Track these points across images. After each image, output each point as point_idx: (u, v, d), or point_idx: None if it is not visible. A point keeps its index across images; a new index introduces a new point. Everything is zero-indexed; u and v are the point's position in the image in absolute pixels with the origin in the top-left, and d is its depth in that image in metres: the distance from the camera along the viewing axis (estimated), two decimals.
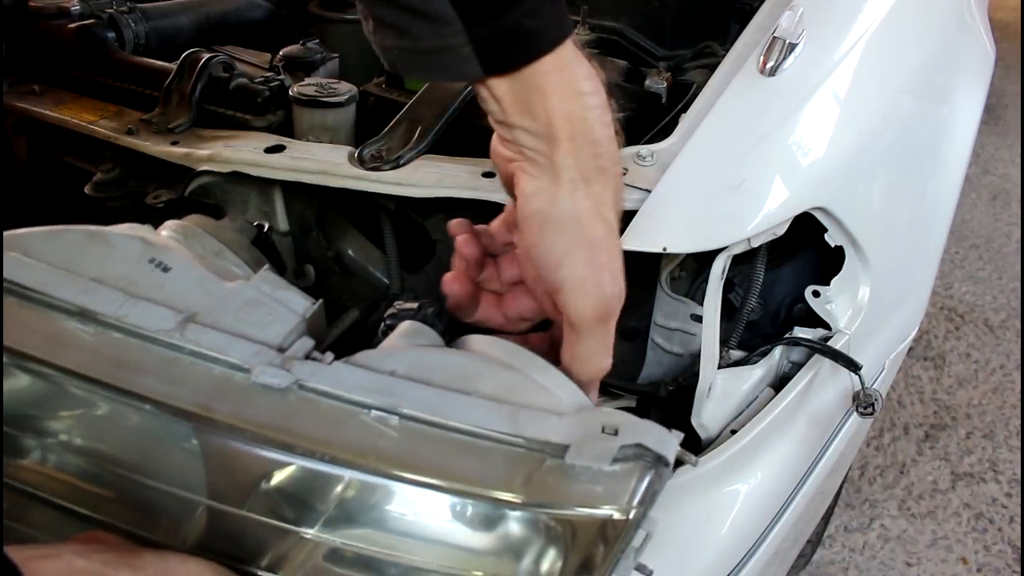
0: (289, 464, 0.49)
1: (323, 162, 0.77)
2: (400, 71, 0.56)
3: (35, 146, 0.98)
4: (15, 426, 0.55)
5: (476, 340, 0.59)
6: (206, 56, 0.90)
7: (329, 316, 0.85)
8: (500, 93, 0.53)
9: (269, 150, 0.79)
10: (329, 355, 0.53)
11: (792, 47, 0.74)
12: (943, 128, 0.93)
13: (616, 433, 0.48)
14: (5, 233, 0.59)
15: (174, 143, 0.84)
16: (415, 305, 0.61)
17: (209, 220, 0.71)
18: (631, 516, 0.45)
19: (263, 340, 0.53)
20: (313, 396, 0.50)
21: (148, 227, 0.65)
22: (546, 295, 0.59)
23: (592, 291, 0.55)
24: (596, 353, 0.57)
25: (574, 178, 0.54)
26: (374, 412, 0.50)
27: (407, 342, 0.57)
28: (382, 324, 0.61)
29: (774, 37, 0.74)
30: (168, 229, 0.68)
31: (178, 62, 0.91)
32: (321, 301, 0.58)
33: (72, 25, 1.00)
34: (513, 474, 0.47)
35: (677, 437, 0.49)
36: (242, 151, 0.79)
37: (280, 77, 0.91)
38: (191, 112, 0.87)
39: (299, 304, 0.57)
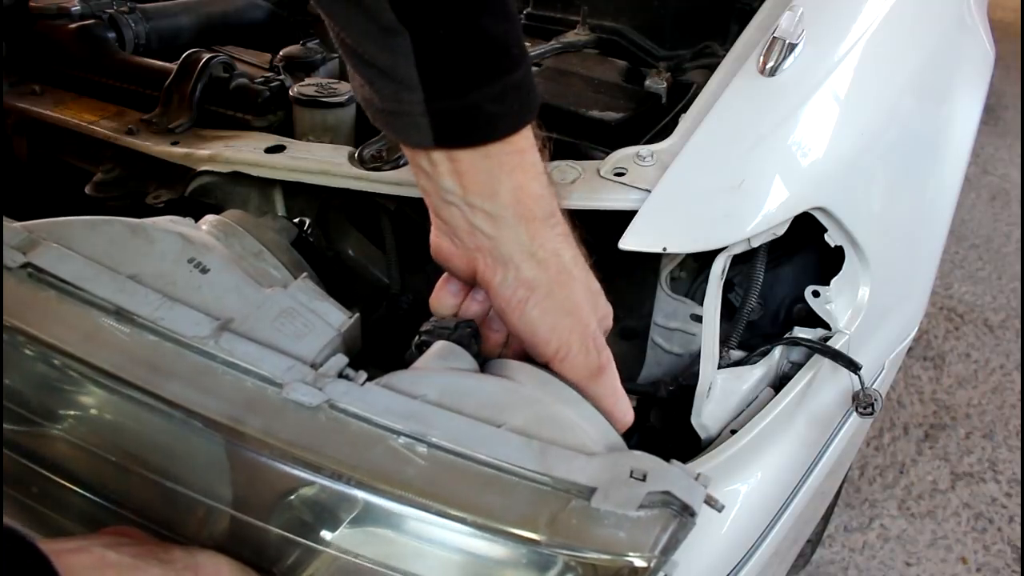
0: (314, 482, 0.49)
1: (323, 162, 0.77)
2: (370, 120, 0.57)
3: (35, 146, 0.98)
4: (44, 415, 0.55)
5: (508, 366, 0.58)
6: (206, 56, 0.90)
7: None
8: (463, 168, 0.53)
9: (269, 150, 0.79)
10: (362, 374, 0.52)
11: (792, 47, 0.74)
12: (943, 128, 0.93)
13: (644, 478, 0.48)
14: (48, 220, 0.59)
15: (174, 143, 0.84)
16: (451, 323, 0.60)
17: (249, 217, 0.71)
18: (653, 564, 0.46)
19: (297, 354, 0.53)
20: (343, 417, 0.50)
21: (189, 220, 0.65)
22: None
23: (580, 357, 0.57)
24: (604, 403, 0.58)
25: (545, 258, 0.55)
26: (403, 438, 0.49)
27: (441, 363, 0.57)
28: (417, 337, 0.60)
29: (774, 37, 0.74)
30: (208, 224, 0.67)
31: (178, 62, 0.91)
32: (357, 315, 0.58)
33: (72, 25, 1.00)
34: (538, 513, 0.47)
35: (705, 484, 0.49)
36: (242, 151, 0.80)
37: (280, 77, 0.91)
38: (191, 112, 0.87)
39: (335, 318, 0.56)
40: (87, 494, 0.54)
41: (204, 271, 0.57)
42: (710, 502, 0.49)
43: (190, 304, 0.54)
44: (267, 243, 0.67)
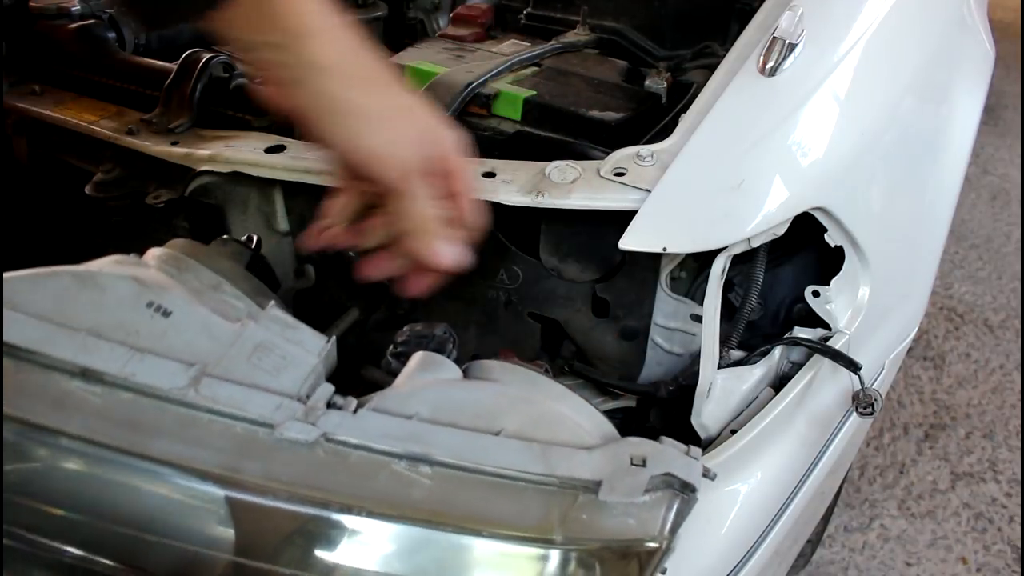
0: (322, 518, 0.49)
1: (323, 162, 0.77)
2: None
3: (35, 146, 0.98)
4: (28, 493, 0.51)
5: (491, 368, 0.58)
6: (206, 56, 0.90)
7: (329, 316, 0.85)
8: (239, 22, 0.54)
9: (269, 150, 0.79)
10: (352, 401, 0.52)
11: (792, 47, 0.74)
12: (943, 128, 0.93)
13: (644, 463, 0.49)
14: None
15: (174, 143, 0.84)
16: (428, 332, 0.60)
17: (198, 245, 0.66)
18: (663, 545, 0.47)
19: (281, 390, 0.51)
20: (342, 448, 0.49)
21: (134, 259, 0.61)
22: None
23: (398, 153, 0.57)
24: (424, 205, 0.59)
25: (329, 67, 0.56)
26: (404, 461, 0.49)
27: (425, 375, 0.56)
28: (392, 346, 0.60)
29: (774, 37, 0.74)
30: (157, 260, 0.62)
31: (178, 62, 0.91)
32: (334, 338, 0.56)
33: (72, 25, 1.00)
34: (549, 514, 0.48)
35: (696, 457, 0.51)
36: (242, 151, 0.80)
37: None
38: (191, 112, 0.87)
39: (313, 344, 0.55)
40: (82, 552, 0.51)
41: (166, 314, 0.53)
42: (704, 473, 0.51)
43: (159, 353, 0.51)
44: (223, 272, 0.63)
